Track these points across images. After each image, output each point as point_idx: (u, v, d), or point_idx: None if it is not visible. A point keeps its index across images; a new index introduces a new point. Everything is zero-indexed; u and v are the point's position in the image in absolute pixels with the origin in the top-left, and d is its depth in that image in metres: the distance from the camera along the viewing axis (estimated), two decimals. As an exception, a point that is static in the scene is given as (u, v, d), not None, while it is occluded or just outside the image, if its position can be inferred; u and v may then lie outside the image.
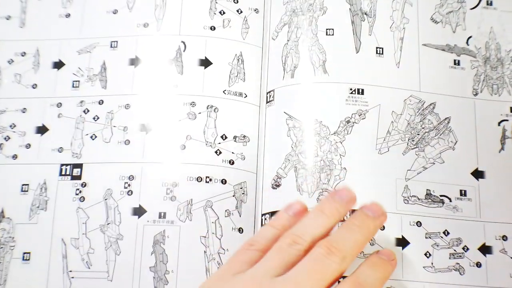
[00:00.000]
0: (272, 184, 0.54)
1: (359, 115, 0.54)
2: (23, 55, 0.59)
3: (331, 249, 0.40)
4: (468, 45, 0.57)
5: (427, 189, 0.53)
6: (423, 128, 0.55)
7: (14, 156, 0.56)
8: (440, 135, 0.54)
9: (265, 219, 0.53)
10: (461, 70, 0.56)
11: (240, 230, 0.53)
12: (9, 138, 0.57)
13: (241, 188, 0.54)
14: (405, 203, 0.53)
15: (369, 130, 0.54)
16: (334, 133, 0.54)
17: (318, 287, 0.39)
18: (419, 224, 0.52)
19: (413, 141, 0.54)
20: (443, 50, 0.56)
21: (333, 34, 0.56)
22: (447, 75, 0.56)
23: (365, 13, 0.57)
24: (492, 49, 0.57)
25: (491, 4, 0.58)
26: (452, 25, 0.58)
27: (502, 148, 0.54)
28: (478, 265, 0.52)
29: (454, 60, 0.56)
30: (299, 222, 0.44)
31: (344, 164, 0.53)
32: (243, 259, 0.43)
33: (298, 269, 0.40)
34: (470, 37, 0.57)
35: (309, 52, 0.56)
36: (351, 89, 0.55)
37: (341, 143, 0.53)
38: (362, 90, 0.55)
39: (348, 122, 0.54)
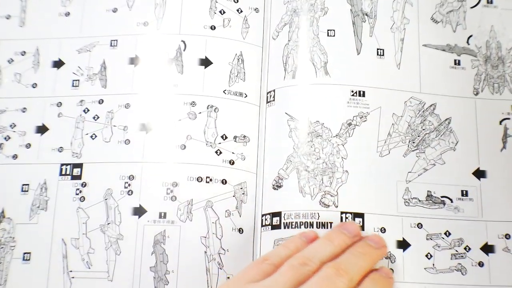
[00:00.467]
0: (273, 185, 0.53)
1: (360, 118, 0.54)
2: (23, 54, 0.59)
3: (339, 271, 0.43)
4: (468, 44, 0.57)
5: (428, 191, 0.53)
6: (423, 129, 0.55)
7: (14, 156, 0.56)
8: (441, 136, 0.55)
9: (266, 219, 0.53)
10: (462, 70, 0.56)
11: (240, 230, 0.53)
12: (9, 138, 0.57)
13: (241, 188, 0.54)
14: (406, 205, 0.53)
15: (370, 132, 0.54)
16: (336, 135, 0.54)
17: None
18: (420, 226, 0.52)
19: (413, 142, 0.54)
20: (444, 50, 0.56)
21: (334, 35, 0.56)
22: (448, 75, 0.56)
23: (366, 14, 0.57)
24: (493, 47, 0.57)
25: (491, 2, 0.58)
26: (453, 24, 0.58)
27: (504, 147, 0.55)
28: (481, 264, 0.52)
29: (455, 60, 0.57)
30: (309, 246, 0.47)
31: (346, 167, 0.53)
32: (257, 271, 0.45)
33: (310, 284, 0.43)
34: (471, 36, 0.57)
35: (311, 53, 0.55)
36: (352, 91, 0.55)
37: (343, 145, 0.53)
38: (363, 92, 0.55)
39: (349, 124, 0.54)
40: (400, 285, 0.50)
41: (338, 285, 0.43)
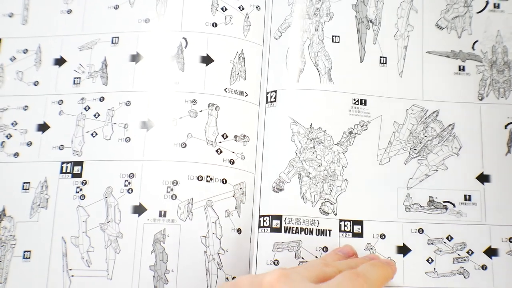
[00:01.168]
0: (274, 187, 0.53)
1: (361, 126, 0.54)
2: (25, 52, 0.59)
3: (358, 273, 0.42)
4: (474, 50, 0.57)
5: (429, 196, 0.53)
6: (425, 136, 0.54)
7: (16, 154, 0.56)
8: (444, 142, 0.55)
9: (264, 221, 0.52)
10: (466, 75, 0.56)
11: (239, 230, 0.53)
12: (10, 136, 0.56)
13: (240, 188, 0.53)
14: (407, 211, 0.52)
15: (370, 141, 0.54)
16: (338, 143, 0.53)
17: None
18: (421, 231, 0.52)
19: (415, 149, 0.55)
20: (448, 56, 0.55)
21: (339, 42, 0.56)
22: (452, 81, 0.56)
23: (371, 21, 0.56)
24: (499, 52, 0.56)
25: (498, 7, 0.56)
26: (458, 30, 0.57)
27: (509, 151, 0.54)
28: (484, 268, 0.51)
29: (459, 66, 0.56)
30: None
31: (346, 175, 0.53)
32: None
33: (338, 280, 0.42)
34: (476, 41, 0.56)
35: (315, 58, 0.55)
36: (354, 100, 0.54)
37: (343, 154, 0.53)
38: (365, 100, 0.54)
39: (350, 133, 0.53)
40: None
41: (362, 285, 0.42)
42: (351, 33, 0.55)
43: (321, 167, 0.52)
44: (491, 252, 0.51)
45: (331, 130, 0.53)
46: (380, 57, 0.55)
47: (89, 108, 0.55)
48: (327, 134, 0.53)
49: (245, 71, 0.55)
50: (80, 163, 0.54)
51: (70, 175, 0.53)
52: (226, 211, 0.52)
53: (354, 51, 0.55)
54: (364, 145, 0.53)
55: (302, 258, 0.50)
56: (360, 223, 0.51)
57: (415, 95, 0.54)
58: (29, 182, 0.54)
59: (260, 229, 0.52)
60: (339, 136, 0.53)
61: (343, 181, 0.52)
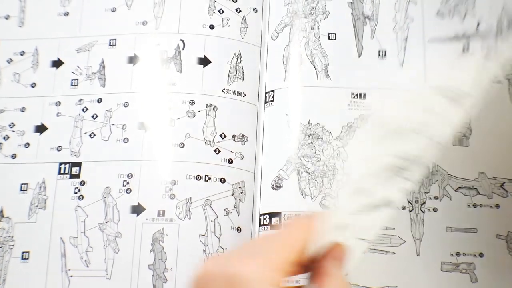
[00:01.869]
0: (273, 185, 0.53)
1: (361, 120, 0.53)
2: (22, 54, 0.58)
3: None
4: (478, 31, 0.53)
5: None
6: None
7: (13, 156, 0.55)
8: None
9: (264, 219, 0.52)
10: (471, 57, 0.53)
11: (239, 229, 0.52)
12: (8, 137, 0.56)
13: (239, 187, 0.53)
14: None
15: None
16: (337, 138, 0.53)
17: None
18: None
19: None
20: (451, 41, 0.53)
21: (335, 39, 0.55)
22: (455, 67, 0.53)
23: (367, 17, 0.56)
24: (505, 26, 0.53)
25: None
26: (461, 14, 0.55)
27: None
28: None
29: (463, 48, 0.53)
30: None
31: (346, 169, 0.51)
32: None
33: None
34: (480, 23, 0.53)
35: (312, 56, 0.55)
36: (353, 94, 0.54)
37: (343, 148, 0.53)
38: (364, 94, 0.54)
39: (350, 127, 0.53)
40: None
41: None
42: (347, 30, 0.55)
43: (320, 162, 0.52)
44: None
45: (330, 125, 0.53)
46: (379, 50, 0.55)
47: (87, 109, 0.55)
48: (325, 129, 0.53)
49: (242, 72, 0.55)
50: (78, 164, 0.53)
51: (68, 175, 0.53)
52: (225, 210, 0.52)
53: (351, 47, 0.55)
54: (364, 139, 0.53)
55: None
56: None
57: (417, 86, 0.54)
58: (27, 183, 0.53)
59: (260, 227, 0.51)
60: (338, 131, 0.53)
61: (344, 175, 0.52)
